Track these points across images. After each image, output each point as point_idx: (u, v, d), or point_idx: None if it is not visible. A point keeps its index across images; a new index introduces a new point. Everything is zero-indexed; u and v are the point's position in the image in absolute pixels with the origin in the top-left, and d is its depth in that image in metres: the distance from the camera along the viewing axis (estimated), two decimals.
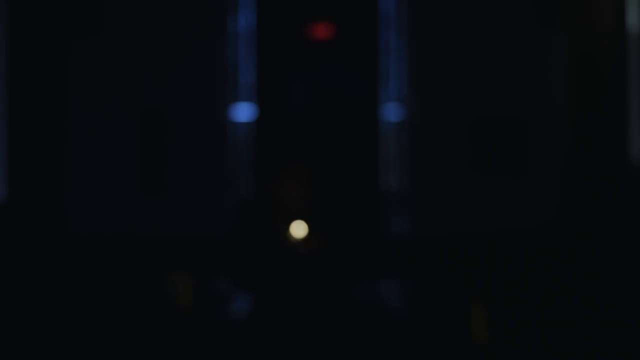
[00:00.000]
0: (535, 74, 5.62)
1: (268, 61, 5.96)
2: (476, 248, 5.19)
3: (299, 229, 3.31)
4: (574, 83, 5.50)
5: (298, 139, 3.62)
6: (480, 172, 5.66)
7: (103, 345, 4.74)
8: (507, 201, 5.65)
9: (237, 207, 3.69)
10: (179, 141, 5.74)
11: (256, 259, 3.53)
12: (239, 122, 5.85)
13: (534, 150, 5.63)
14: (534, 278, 4.78)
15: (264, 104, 5.96)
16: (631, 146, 5.44)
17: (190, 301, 4.36)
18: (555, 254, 4.90)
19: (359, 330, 3.43)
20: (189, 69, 5.71)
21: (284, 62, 6.01)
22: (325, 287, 3.51)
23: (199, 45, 5.72)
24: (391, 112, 5.87)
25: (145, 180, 5.73)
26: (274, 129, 5.96)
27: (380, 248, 5.65)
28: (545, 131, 5.61)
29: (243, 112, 5.88)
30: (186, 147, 5.74)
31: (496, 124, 5.65)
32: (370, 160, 5.93)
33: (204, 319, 4.45)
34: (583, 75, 5.48)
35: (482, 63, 5.65)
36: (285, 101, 6.04)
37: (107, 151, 5.71)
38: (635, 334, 4.41)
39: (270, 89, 5.99)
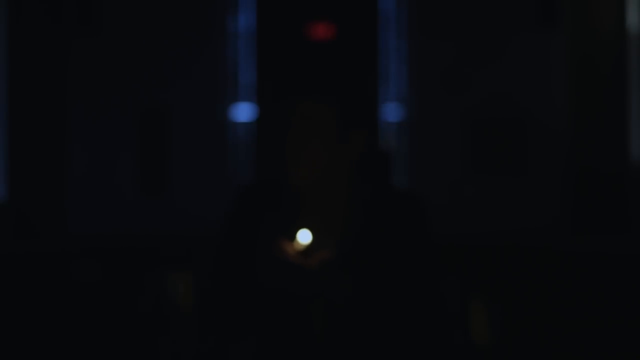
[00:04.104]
0: (535, 74, 5.62)
1: (268, 61, 5.95)
2: (476, 248, 5.19)
3: (303, 237, 2.05)
4: (574, 83, 5.49)
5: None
6: (480, 172, 5.66)
7: (103, 345, 4.74)
8: (507, 201, 5.65)
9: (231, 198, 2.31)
10: (179, 141, 5.73)
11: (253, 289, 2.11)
12: (239, 122, 5.85)
13: (534, 150, 5.62)
14: (534, 278, 4.78)
15: (264, 104, 5.96)
16: (631, 146, 5.43)
17: (190, 301, 4.35)
18: (555, 254, 4.90)
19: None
20: (188, 69, 5.71)
21: (284, 62, 6.00)
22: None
23: (198, 45, 5.71)
24: (391, 112, 5.87)
25: (145, 180, 5.72)
26: (274, 129, 5.95)
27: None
28: (545, 131, 5.61)
29: (243, 112, 5.87)
30: (186, 147, 5.73)
31: (496, 124, 5.65)
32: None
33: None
34: (583, 75, 5.48)
35: (482, 63, 5.64)
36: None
37: (107, 151, 5.71)
38: (635, 333, 4.40)
39: (270, 89, 5.99)
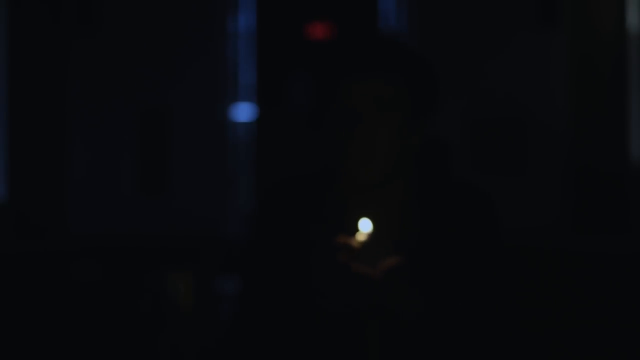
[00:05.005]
0: (535, 74, 5.62)
1: (268, 61, 5.96)
2: None
3: (364, 226, 1.62)
4: (574, 83, 5.49)
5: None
6: (480, 172, 5.66)
7: (104, 345, 4.74)
8: (507, 201, 5.64)
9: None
10: (179, 141, 5.74)
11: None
12: (239, 122, 5.85)
13: (534, 150, 5.62)
14: (534, 278, 4.78)
15: (264, 104, 5.96)
16: (631, 146, 5.44)
17: (190, 301, 4.36)
18: (555, 254, 4.90)
19: None
20: (189, 69, 5.71)
21: (284, 62, 6.01)
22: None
23: (199, 45, 5.71)
24: None
25: (145, 180, 5.72)
26: (274, 129, 5.95)
27: None
28: (545, 131, 5.61)
29: (243, 112, 5.88)
30: (186, 147, 5.74)
31: (496, 124, 5.65)
32: None
33: (204, 319, 4.46)
34: (583, 75, 5.48)
35: (482, 63, 5.64)
36: (285, 101, 6.04)
37: (107, 151, 5.71)
38: (635, 333, 4.40)
39: (270, 89, 5.99)
